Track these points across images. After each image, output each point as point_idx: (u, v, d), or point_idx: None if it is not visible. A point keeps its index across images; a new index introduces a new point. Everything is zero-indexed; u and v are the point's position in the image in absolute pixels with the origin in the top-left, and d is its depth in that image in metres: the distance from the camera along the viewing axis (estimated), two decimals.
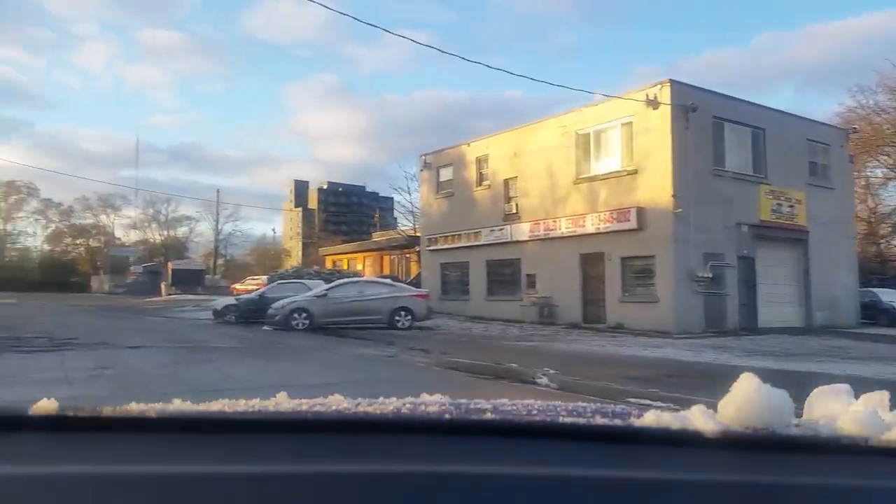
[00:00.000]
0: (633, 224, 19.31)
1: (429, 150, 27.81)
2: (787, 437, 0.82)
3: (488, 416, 0.89)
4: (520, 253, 23.25)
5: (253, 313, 20.20)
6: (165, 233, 75.62)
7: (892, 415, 0.87)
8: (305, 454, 0.77)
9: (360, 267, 36.29)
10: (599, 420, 0.90)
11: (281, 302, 18.21)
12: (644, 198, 19.28)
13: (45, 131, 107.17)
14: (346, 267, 36.39)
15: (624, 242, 19.64)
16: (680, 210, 18.48)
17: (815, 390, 0.95)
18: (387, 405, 0.95)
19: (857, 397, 0.91)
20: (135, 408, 0.88)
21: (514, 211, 23.56)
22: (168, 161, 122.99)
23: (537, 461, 0.76)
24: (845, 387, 0.94)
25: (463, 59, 48.44)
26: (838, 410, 0.88)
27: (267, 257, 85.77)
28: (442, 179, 26.99)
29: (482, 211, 24.74)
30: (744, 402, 0.83)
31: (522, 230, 23.10)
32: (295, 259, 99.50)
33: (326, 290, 18.61)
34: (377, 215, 53.35)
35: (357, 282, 19.33)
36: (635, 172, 19.54)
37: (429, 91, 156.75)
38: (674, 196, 18.53)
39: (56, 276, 60.25)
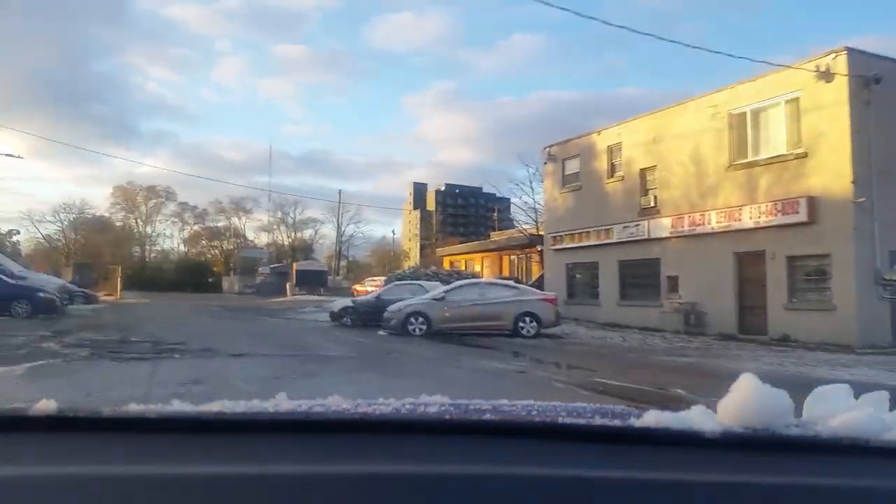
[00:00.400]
0: (802, 216, 16.22)
1: (552, 142, 25.62)
2: (787, 438, 0.82)
3: (488, 416, 0.90)
4: (659, 252, 20.57)
5: (370, 316, 18.98)
6: (293, 235, 77.95)
7: (892, 415, 0.87)
8: (305, 454, 0.77)
9: (477, 268, 34.64)
10: (599, 420, 0.90)
11: (397, 305, 16.78)
12: (816, 185, 16.14)
13: (187, 142, 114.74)
14: (463, 268, 34.87)
15: (791, 238, 16.56)
16: (862, 199, 15.27)
17: (815, 390, 0.94)
18: (386, 405, 0.94)
19: (856, 398, 0.90)
20: (134, 408, 0.89)
21: (653, 204, 20.91)
22: (297, 168, 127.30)
23: (537, 461, 0.76)
24: (845, 387, 0.93)
25: (605, 23, 45.33)
26: (838, 411, 0.88)
27: (386, 258, 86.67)
28: (568, 172, 24.71)
29: (614, 205, 22.24)
30: (744, 403, 0.83)
31: (662, 226, 20.41)
32: (413, 260, 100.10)
33: (444, 292, 16.97)
34: (496, 214, 51.56)
35: (477, 284, 17.55)
36: (804, 156, 16.42)
37: (542, 92, 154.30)
38: (854, 182, 15.33)
39: (191, 277, 63.11)
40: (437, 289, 18.48)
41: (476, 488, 0.72)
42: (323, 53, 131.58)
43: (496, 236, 40.65)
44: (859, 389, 0.93)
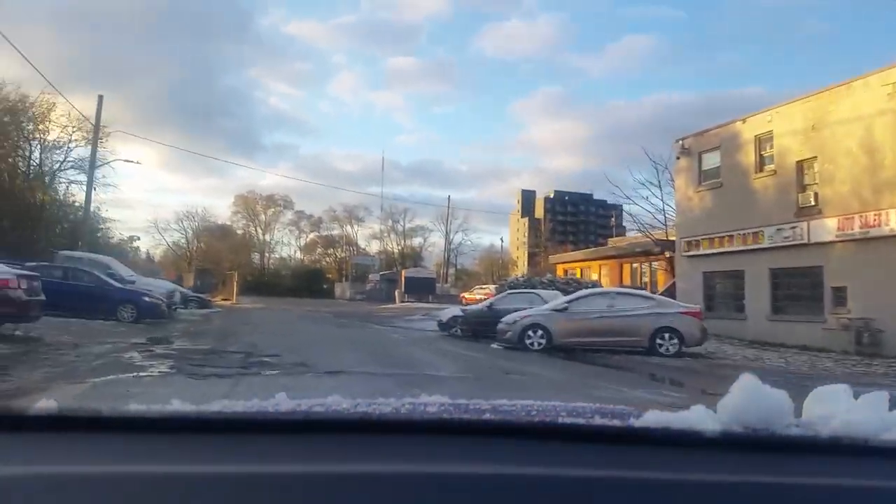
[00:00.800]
0: None
1: (686, 135, 22.72)
2: (786, 438, 0.82)
3: (487, 416, 0.89)
4: (821, 258, 17.34)
5: (481, 326, 17.12)
6: (402, 243, 77.87)
7: (891, 415, 0.87)
8: (304, 454, 0.77)
9: (594, 276, 31.94)
10: (599, 420, 0.89)
11: (513, 316, 14.77)
12: None
13: (306, 153, 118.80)
14: (579, 276, 32.30)
15: None
16: None
17: (815, 390, 0.94)
18: (386, 405, 0.93)
19: (856, 398, 0.90)
20: (135, 408, 0.89)
21: (813, 203, 17.70)
22: (407, 177, 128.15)
23: (537, 461, 0.76)
24: (844, 387, 0.93)
25: None
26: (838, 411, 0.88)
27: (494, 266, 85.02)
28: (706, 167, 21.75)
29: (764, 205, 19.14)
30: (744, 403, 0.83)
31: (826, 228, 17.18)
32: (521, 269, 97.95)
33: (567, 302, 14.75)
34: (612, 220, 48.35)
35: (606, 293, 15.19)
36: None
37: (655, 95, 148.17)
38: None
39: (306, 283, 64.15)
40: (558, 298, 16.31)
41: (476, 488, 0.71)
42: (433, 64, 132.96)
43: (615, 242, 37.76)
44: None
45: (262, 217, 72.85)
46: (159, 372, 8.52)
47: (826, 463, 0.81)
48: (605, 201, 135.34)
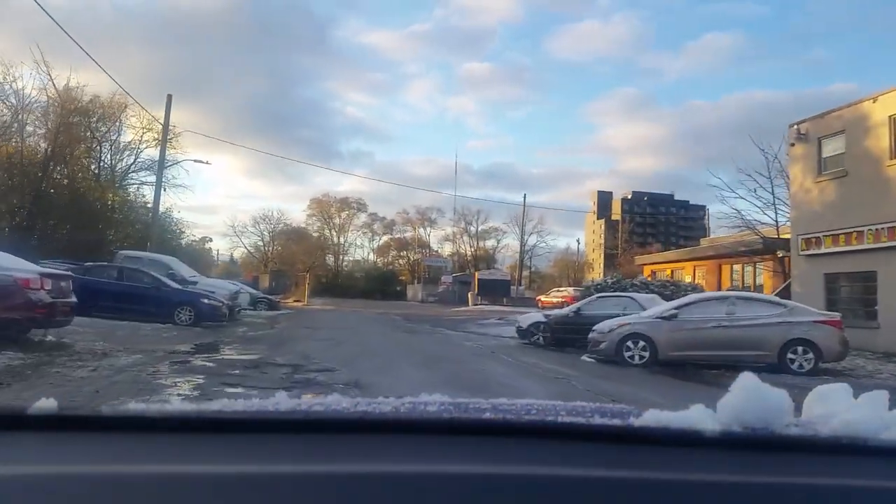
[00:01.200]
0: None
1: (802, 119, 19.67)
2: (786, 437, 0.82)
3: (487, 415, 0.89)
4: None
5: (567, 334, 14.96)
6: (475, 245, 76.02)
7: (891, 414, 0.86)
8: (304, 454, 0.76)
9: (687, 278, 28.99)
10: (599, 420, 0.89)
11: (607, 323, 12.52)
12: None
13: (381, 160, 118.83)
14: (669, 277, 29.41)
15: None
16: None
17: (815, 390, 0.94)
18: (386, 405, 0.93)
19: (855, 397, 0.90)
20: (134, 407, 0.88)
21: None
22: (479, 181, 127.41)
23: (536, 461, 0.75)
24: (844, 386, 0.93)
25: None
26: (837, 410, 0.88)
27: (569, 269, 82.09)
28: (826, 155, 18.68)
29: None
30: (743, 402, 0.82)
31: None
32: (597, 271, 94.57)
33: (676, 308, 12.31)
34: (707, 218, 44.47)
35: (724, 298, 12.59)
36: None
37: (738, 94, 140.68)
38: None
39: (379, 285, 63.41)
40: (659, 304, 13.94)
41: (476, 488, 0.71)
42: (506, 68, 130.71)
43: (707, 242, 34.52)
44: None
45: (336, 220, 72.65)
46: (178, 395, 6.83)
47: (826, 462, 0.81)
48: (688, 201, 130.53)
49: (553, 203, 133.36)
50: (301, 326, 19.17)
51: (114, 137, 28.87)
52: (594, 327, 12.69)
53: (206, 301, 17.10)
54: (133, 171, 30.60)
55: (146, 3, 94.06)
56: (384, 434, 0.84)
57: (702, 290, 19.48)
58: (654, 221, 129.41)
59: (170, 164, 28.82)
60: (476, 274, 49.51)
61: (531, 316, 16.75)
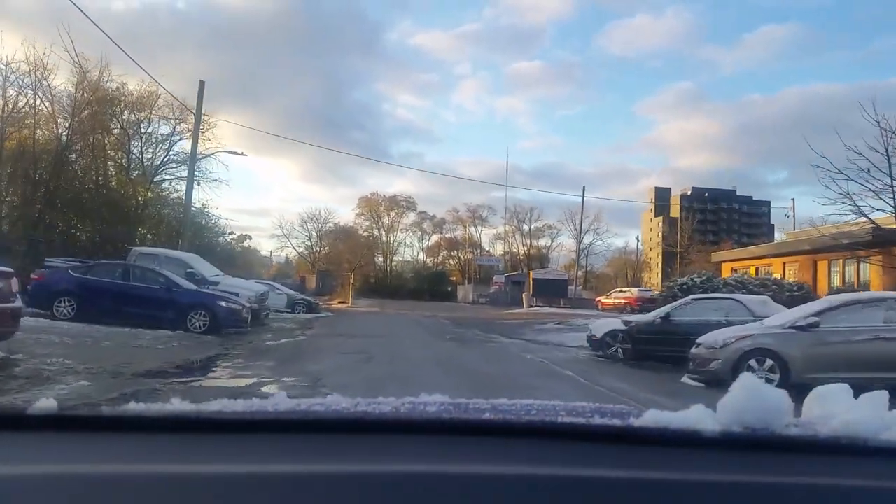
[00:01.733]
0: None
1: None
2: (786, 438, 0.82)
3: (487, 416, 0.88)
4: None
5: (653, 346, 11.92)
6: (528, 243, 72.76)
7: (891, 415, 0.86)
8: (303, 454, 0.76)
9: (776, 275, 25.30)
10: (598, 420, 0.89)
11: (718, 336, 9.43)
12: None
13: (431, 161, 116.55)
14: (753, 274, 25.75)
15: None
16: None
17: (814, 390, 0.94)
18: (386, 405, 0.93)
19: (855, 397, 0.90)
20: (134, 407, 0.87)
21: None
22: (529, 181, 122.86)
23: (536, 461, 0.75)
24: (844, 387, 0.93)
25: None
26: (837, 411, 0.87)
27: (627, 268, 78.03)
28: None
29: None
30: (743, 402, 0.82)
31: None
32: (654, 271, 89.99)
33: (816, 315, 9.12)
34: (793, 207, 39.86)
35: (883, 301, 9.30)
36: None
37: (797, 87, 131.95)
38: None
39: (429, 286, 60.92)
40: (776, 308, 10.76)
41: (475, 488, 0.71)
42: (556, 67, 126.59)
43: (790, 236, 30.61)
44: None
45: (385, 219, 70.53)
46: None
47: (826, 463, 0.80)
48: (751, 197, 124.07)
49: (605, 203, 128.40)
50: (333, 334, 16.63)
51: (145, 129, 27.03)
52: (699, 340, 9.61)
53: (223, 304, 14.68)
54: (168, 167, 28.67)
55: (202, 10, 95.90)
56: (384, 434, 0.84)
57: (795, 288, 16.01)
58: (715, 218, 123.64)
59: (202, 156, 26.82)
60: (531, 273, 46.22)
61: (606, 322, 13.69)
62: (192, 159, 25.08)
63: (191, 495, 0.68)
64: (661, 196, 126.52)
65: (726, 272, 29.18)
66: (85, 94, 22.91)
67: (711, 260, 32.33)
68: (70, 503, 0.68)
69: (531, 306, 39.58)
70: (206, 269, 17.73)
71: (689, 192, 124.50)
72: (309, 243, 61.89)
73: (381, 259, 68.66)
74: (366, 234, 65.93)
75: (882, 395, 0.89)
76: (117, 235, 24.47)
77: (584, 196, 44.38)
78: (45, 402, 0.83)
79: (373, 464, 0.73)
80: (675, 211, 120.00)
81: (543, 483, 0.71)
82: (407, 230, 72.00)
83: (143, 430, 0.82)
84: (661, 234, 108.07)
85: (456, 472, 0.72)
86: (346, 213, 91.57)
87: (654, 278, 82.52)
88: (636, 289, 41.42)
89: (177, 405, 0.90)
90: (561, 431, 0.85)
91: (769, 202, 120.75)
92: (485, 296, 49.53)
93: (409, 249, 74.29)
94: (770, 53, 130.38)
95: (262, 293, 17.92)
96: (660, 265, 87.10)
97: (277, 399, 0.93)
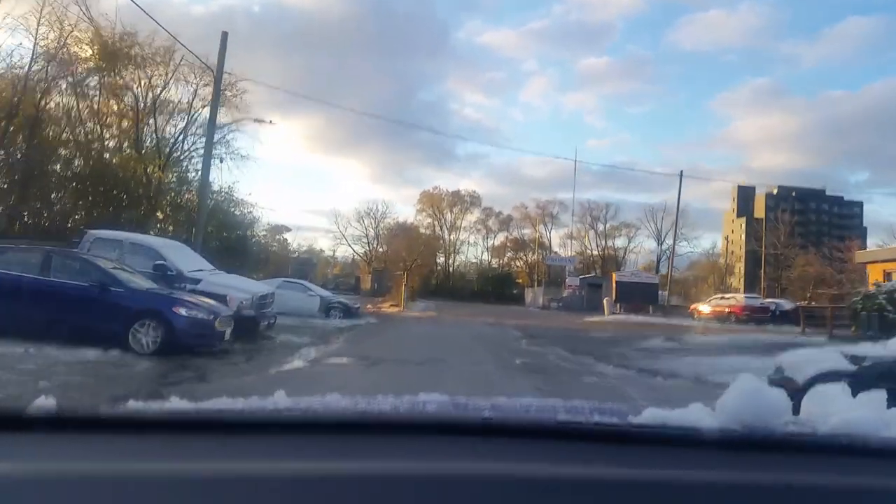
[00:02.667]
0: None
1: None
2: (784, 436, 0.81)
3: (486, 415, 0.88)
4: None
5: None
6: (602, 243, 66.08)
7: (889, 414, 0.86)
8: (303, 453, 0.75)
9: None
10: (597, 419, 0.88)
11: None
12: None
13: (497, 162, 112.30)
14: None
15: None
16: None
17: (813, 389, 0.98)
18: (385, 404, 0.91)
19: (854, 396, 0.88)
20: (132, 407, 0.87)
21: None
22: (598, 181, 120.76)
23: (535, 460, 0.75)
24: (843, 386, 0.93)
25: None
26: (836, 409, 0.87)
27: (714, 272, 70.27)
28: None
29: None
30: (742, 401, 0.82)
31: None
32: (739, 275, 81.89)
33: None
34: None
35: None
36: None
37: (885, 81, 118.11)
38: None
39: (493, 288, 55.58)
40: None
41: (475, 487, 0.70)
42: (626, 62, 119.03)
43: None
44: None
45: (448, 215, 65.33)
46: None
47: (824, 461, 0.80)
48: (842, 197, 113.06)
49: (675, 204, 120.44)
50: (354, 356, 11.40)
51: (158, 93, 22.55)
52: None
53: (182, 312, 9.61)
54: (195, 145, 24.11)
55: (276, 12, 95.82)
56: (383, 433, 0.83)
57: None
58: (803, 220, 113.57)
59: (222, 125, 22.24)
60: (613, 276, 39.82)
61: (810, 357, 7.85)
62: (212, 124, 20.37)
63: (190, 494, 0.67)
64: (745, 195, 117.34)
65: (875, 275, 22.50)
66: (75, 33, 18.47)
67: (855, 260, 25.42)
68: (69, 502, 0.66)
69: (613, 313, 33.44)
70: (186, 260, 12.81)
71: (775, 192, 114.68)
72: (365, 240, 57.34)
73: (442, 259, 63.43)
74: (427, 231, 60.77)
75: (881, 395, 0.88)
76: (121, 220, 20.14)
77: (681, 179, 37.41)
78: (44, 402, 0.82)
79: (372, 463, 0.72)
80: (759, 211, 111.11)
81: (543, 481, 0.71)
82: (471, 228, 66.56)
83: (142, 430, 0.81)
84: (743, 237, 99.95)
85: (455, 471, 0.72)
86: (407, 212, 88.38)
87: (735, 283, 74.91)
88: (742, 295, 34.61)
89: (176, 404, 0.90)
90: (560, 430, 0.84)
91: (861, 203, 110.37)
92: (556, 300, 43.52)
93: (473, 249, 68.90)
94: (854, 47, 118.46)
95: (263, 296, 12.84)
96: (742, 269, 79.13)
97: (277, 398, 0.91)
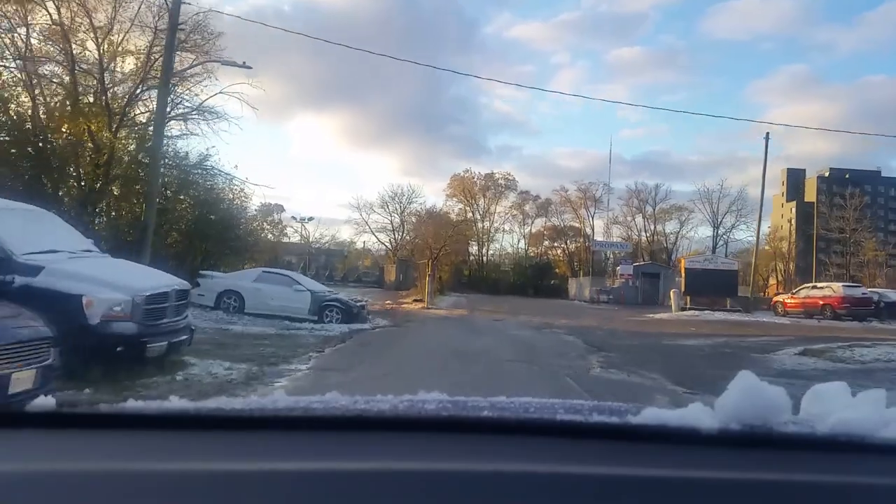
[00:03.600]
0: None
1: None
2: (784, 435, 0.80)
3: (485, 413, 0.87)
4: None
5: None
6: (653, 228, 59.46)
7: (889, 412, 0.85)
8: (303, 451, 0.74)
9: None
10: (597, 418, 0.87)
11: None
12: None
13: (528, 154, 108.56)
14: None
15: None
16: None
17: (813, 388, 0.93)
18: (384, 402, 0.90)
19: (854, 395, 0.88)
20: (133, 405, 0.86)
21: None
22: (632, 171, 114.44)
23: (535, 458, 0.74)
24: (842, 384, 0.91)
25: None
26: (835, 408, 0.86)
27: (776, 258, 63.25)
28: None
29: None
30: (741, 400, 0.81)
31: None
32: (792, 260, 74.58)
33: None
34: None
35: None
36: None
37: None
38: None
39: (533, 279, 49.75)
40: None
41: (474, 486, 0.69)
42: (659, 52, 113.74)
43: None
44: None
45: (481, 201, 59.41)
46: None
47: (824, 460, 0.79)
48: None
49: (711, 192, 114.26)
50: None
51: (103, 35, 17.31)
52: None
53: None
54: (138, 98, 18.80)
55: (306, 12, 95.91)
56: (383, 432, 0.83)
57: None
58: (858, 203, 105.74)
59: (179, 70, 16.92)
60: (682, 262, 33.34)
61: None
62: (167, 68, 15.15)
63: (190, 493, 0.67)
64: (794, 178, 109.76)
65: None
66: None
67: None
68: (69, 501, 0.66)
69: (682, 308, 27.37)
70: (36, 235, 7.36)
71: (826, 174, 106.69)
72: (390, 228, 51.83)
73: (475, 248, 57.70)
74: (457, 218, 54.89)
75: (880, 393, 0.87)
76: (58, 195, 15.16)
77: (766, 146, 30.60)
78: (44, 400, 0.81)
79: (371, 461, 0.72)
80: (810, 195, 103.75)
81: (542, 480, 0.70)
82: (506, 215, 60.39)
83: (141, 428, 0.81)
84: (793, 221, 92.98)
85: (454, 470, 0.71)
86: (437, 202, 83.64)
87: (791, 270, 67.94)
88: (839, 284, 28.24)
89: (176, 402, 0.89)
90: (559, 429, 0.83)
91: None
92: (605, 291, 37.47)
93: (508, 237, 62.80)
94: (893, 30, 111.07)
95: (156, 296, 7.31)
96: (793, 255, 72.02)
97: (276, 396, 0.91)
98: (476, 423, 0.85)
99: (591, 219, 58.89)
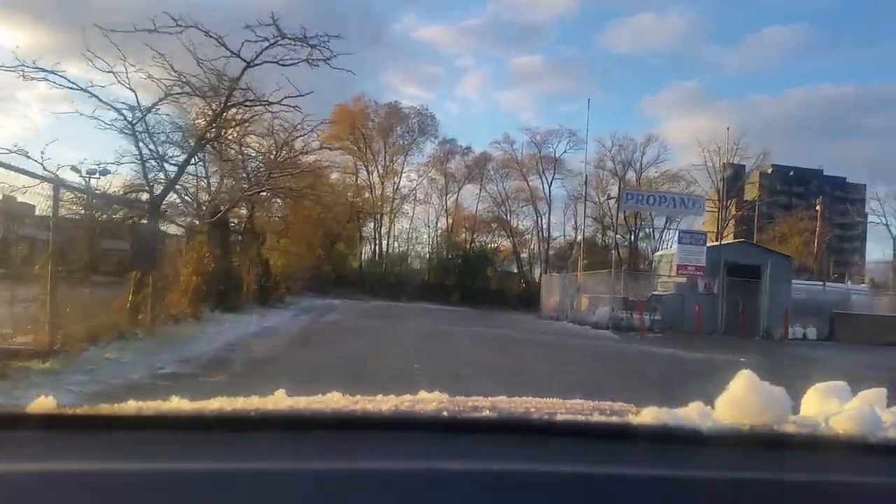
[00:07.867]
0: None
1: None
2: (784, 435, 0.80)
3: (486, 413, 0.87)
4: None
5: None
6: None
7: (889, 412, 0.84)
8: (303, 452, 0.74)
9: None
10: (597, 418, 0.87)
11: None
12: None
13: (430, 152, 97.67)
14: None
15: None
16: None
17: (814, 387, 0.91)
18: (385, 403, 0.91)
19: (854, 395, 0.86)
20: (132, 405, 0.85)
21: None
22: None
23: (535, 459, 0.74)
24: (843, 384, 0.90)
25: None
26: (835, 408, 0.85)
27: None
28: None
29: None
30: (742, 400, 0.81)
31: None
32: None
33: None
34: None
35: None
36: None
37: (804, 88, 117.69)
38: None
39: (460, 276, 33.15)
40: None
41: (474, 486, 0.69)
42: (558, 62, 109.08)
43: None
44: None
45: (381, 147, 41.68)
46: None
47: (823, 460, 0.78)
48: (844, 178, 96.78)
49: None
50: None
51: None
52: None
53: None
54: None
55: (211, 6, 76.75)
56: (384, 432, 0.82)
57: None
58: (804, 204, 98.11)
59: None
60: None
61: None
62: None
63: (190, 493, 0.65)
64: (733, 176, 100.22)
65: None
66: None
67: None
68: (69, 501, 0.65)
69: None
70: None
71: (769, 171, 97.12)
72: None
73: (371, 223, 39.74)
74: (336, 175, 35.21)
75: (881, 393, 0.86)
76: None
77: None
78: (44, 401, 0.81)
79: (372, 461, 0.71)
80: (750, 192, 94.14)
81: (542, 480, 0.69)
82: (420, 176, 42.49)
83: (141, 429, 0.79)
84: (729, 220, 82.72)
85: (455, 470, 0.70)
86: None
87: None
88: None
89: (175, 403, 0.88)
90: (560, 429, 0.82)
91: (865, 185, 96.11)
92: (649, 308, 18.75)
93: (423, 212, 44.23)
94: (775, 54, 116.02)
95: None
96: None
97: (277, 397, 0.90)
98: (476, 423, 0.83)
99: (546, 190, 42.43)
